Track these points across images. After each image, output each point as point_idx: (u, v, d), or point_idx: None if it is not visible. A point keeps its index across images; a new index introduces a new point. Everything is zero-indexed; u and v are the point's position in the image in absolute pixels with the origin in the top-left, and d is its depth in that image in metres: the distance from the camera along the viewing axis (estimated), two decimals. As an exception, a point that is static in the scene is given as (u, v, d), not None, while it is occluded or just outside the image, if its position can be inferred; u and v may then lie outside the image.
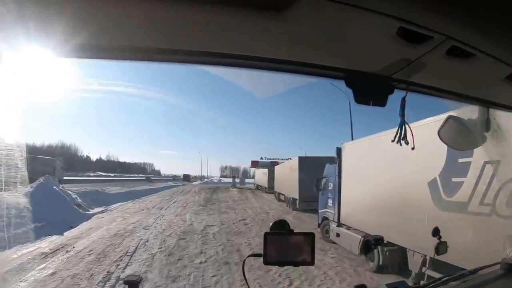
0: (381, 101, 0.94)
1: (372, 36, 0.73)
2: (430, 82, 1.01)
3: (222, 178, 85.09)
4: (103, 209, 16.52)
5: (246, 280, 1.20)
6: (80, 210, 13.78)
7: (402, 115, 1.01)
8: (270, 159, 43.79)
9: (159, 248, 7.71)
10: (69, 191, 16.64)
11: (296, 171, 15.29)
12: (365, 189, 6.04)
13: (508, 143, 2.20)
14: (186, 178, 62.06)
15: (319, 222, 8.90)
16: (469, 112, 1.83)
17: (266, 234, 1.01)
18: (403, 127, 1.01)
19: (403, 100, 1.00)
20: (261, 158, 44.29)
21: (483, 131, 1.83)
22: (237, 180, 44.30)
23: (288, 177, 17.39)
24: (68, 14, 0.59)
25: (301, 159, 15.88)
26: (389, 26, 0.67)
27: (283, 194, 19.81)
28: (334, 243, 7.93)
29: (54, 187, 14.36)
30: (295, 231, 1.04)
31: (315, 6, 0.60)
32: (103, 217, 13.08)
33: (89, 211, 14.95)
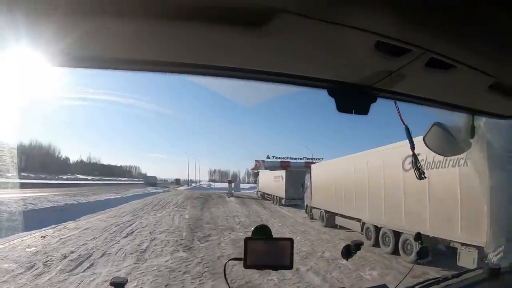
0: (363, 110, 0.95)
1: (351, 49, 0.74)
2: (413, 91, 1.01)
3: (211, 183, 75.22)
4: None
5: (228, 283, 1.23)
6: None
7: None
8: (280, 158, 34.24)
9: None
10: None
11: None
12: None
13: (492, 148, 2.29)
14: (178, 182, 62.73)
15: None
16: (455, 119, 1.48)
17: (246, 239, 1.04)
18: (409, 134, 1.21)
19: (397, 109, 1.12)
20: (268, 157, 34.66)
21: (468, 137, 1.45)
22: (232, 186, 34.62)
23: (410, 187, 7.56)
24: (59, 24, 0.60)
25: None
26: (366, 40, 0.68)
27: (347, 217, 10.27)
28: None
29: None
30: (274, 237, 1.08)
31: (292, 22, 0.61)
32: None
33: None
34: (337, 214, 11.33)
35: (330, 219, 11.88)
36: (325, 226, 12.06)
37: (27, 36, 0.63)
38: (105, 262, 6.74)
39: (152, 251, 7.69)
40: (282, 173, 21.51)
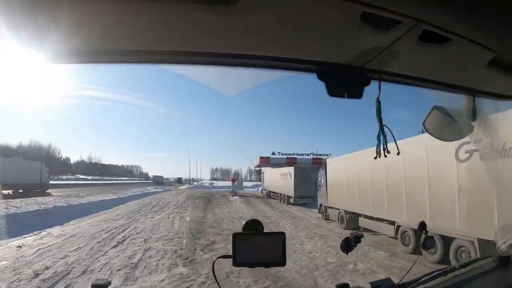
0: (356, 93, 0.89)
1: (336, 24, 0.68)
2: (408, 71, 0.95)
3: (213, 182, 73.78)
4: None
5: (217, 281, 1.15)
6: None
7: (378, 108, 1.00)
8: (286, 154, 32.62)
9: None
10: None
11: None
12: None
13: (495, 132, 2.24)
14: (179, 181, 65.25)
15: None
16: (455, 101, 1.47)
17: (235, 235, 0.97)
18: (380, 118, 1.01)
19: (379, 90, 0.98)
20: (273, 154, 32.92)
21: (470, 120, 1.42)
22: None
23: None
24: (58, 20, 0.60)
25: None
26: (351, 12, 0.62)
27: (374, 219, 8.82)
28: None
29: None
30: (265, 231, 1.01)
31: None
32: None
33: None
34: (360, 215, 9.86)
35: (351, 221, 10.40)
36: (345, 229, 10.58)
37: (24, 34, 0.62)
38: (84, 283, 5.31)
39: (145, 266, 6.24)
40: (291, 170, 20.01)
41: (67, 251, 7.58)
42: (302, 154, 32.61)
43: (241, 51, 0.78)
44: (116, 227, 10.54)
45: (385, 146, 1.07)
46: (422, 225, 1.53)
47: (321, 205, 13.46)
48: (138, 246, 7.92)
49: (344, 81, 0.87)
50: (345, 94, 0.87)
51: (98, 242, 8.42)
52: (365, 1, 0.59)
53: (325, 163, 12.93)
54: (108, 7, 0.56)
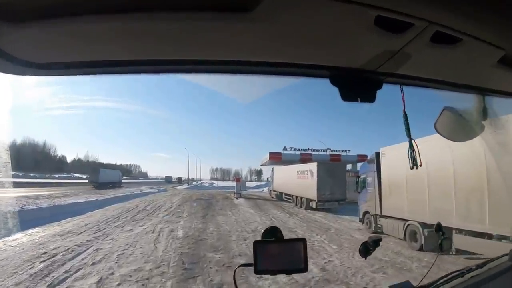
0: (369, 97, 0.89)
1: (350, 28, 0.69)
2: (419, 73, 0.96)
3: (213, 182, 70.08)
4: None
5: None
6: None
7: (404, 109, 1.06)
8: (300, 150, 28.75)
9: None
10: None
11: None
12: None
13: (506, 130, 2.06)
14: (179, 180, 66.36)
15: None
16: (465, 101, 1.49)
17: (255, 243, 0.98)
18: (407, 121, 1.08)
19: (402, 94, 1.05)
20: (285, 149, 28.99)
21: (481, 120, 1.41)
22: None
23: None
24: (48, 33, 0.60)
25: None
26: (365, 16, 0.63)
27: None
28: None
29: None
30: (285, 238, 1.02)
31: (283, 3, 0.58)
32: None
33: None
34: (456, 230, 6.16)
35: (432, 238, 6.71)
36: (420, 250, 6.91)
37: (23, 45, 0.62)
38: None
39: None
40: (312, 166, 16.18)
41: None
42: (317, 150, 28.86)
43: (255, 58, 0.78)
44: (68, 249, 6.78)
45: (415, 159, 1.11)
46: (439, 227, 1.57)
47: (366, 212, 9.73)
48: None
49: (357, 86, 0.87)
50: (359, 99, 0.87)
51: (16, 285, 4.70)
52: (379, 5, 0.60)
53: (377, 154, 9.19)
54: (122, 17, 0.56)
